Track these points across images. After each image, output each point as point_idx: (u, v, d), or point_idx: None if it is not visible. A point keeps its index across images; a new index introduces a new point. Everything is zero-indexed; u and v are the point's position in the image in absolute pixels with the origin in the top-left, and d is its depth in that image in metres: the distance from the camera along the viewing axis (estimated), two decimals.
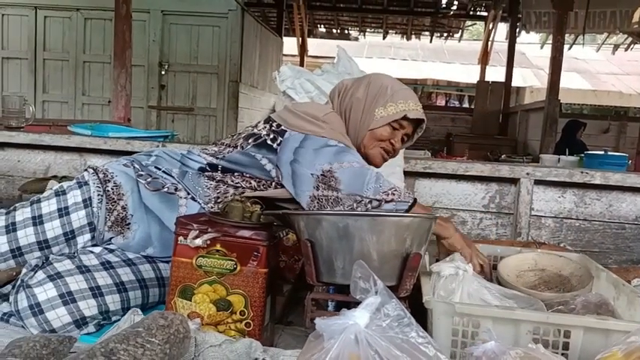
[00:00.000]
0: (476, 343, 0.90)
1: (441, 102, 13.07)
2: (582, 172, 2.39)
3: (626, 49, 12.60)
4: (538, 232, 2.48)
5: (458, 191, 2.50)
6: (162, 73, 6.50)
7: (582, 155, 5.04)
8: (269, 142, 1.48)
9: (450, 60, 13.52)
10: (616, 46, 13.05)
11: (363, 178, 1.35)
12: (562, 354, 1.05)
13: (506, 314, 1.06)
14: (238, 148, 1.51)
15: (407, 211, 1.30)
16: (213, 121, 6.53)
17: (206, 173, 1.52)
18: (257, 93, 7.41)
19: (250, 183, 1.49)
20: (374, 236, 1.12)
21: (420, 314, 1.15)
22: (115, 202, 1.48)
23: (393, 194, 1.32)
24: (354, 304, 0.89)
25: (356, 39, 13.90)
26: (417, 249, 1.15)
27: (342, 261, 1.14)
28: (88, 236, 1.49)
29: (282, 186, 1.47)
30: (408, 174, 2.40)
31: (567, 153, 5.38)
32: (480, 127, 8.89)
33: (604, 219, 2.44)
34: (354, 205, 1.32)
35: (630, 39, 11.34)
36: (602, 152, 5.19)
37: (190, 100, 6.54)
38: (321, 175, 1.37)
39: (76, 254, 1.44)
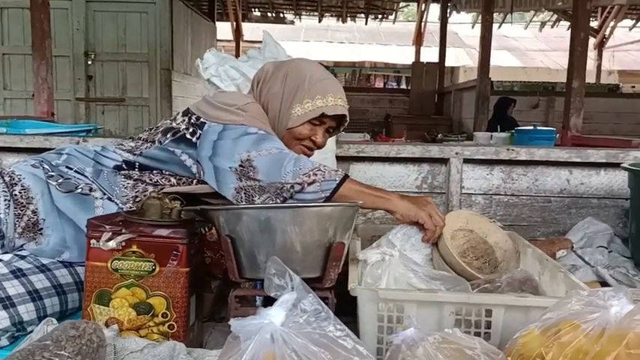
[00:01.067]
0: (396, 330, 0.89)
1: (379, 84, 13.20)
2: (508, 150, 2.45)
3: (553, 26, 13.12)
4: (469, 209, 2.53)
5: (391, 173, 2.51)
6: (89, 63, 6.19)
7: (513, 131, 5.22)
8: (188, 136, 1.42)
9: (386, 42, 13.66)
10: (543, 24, 13.58)
11: (280, 163, 1.29)
12: (485, 333, 1.07)
13: (429, 297, 1.06)
14: (156, 143, 1.44)
15: (336, 189, 1.26)
16: (146, 112, 6.30)
17: (122, 172, 1.44)
18: (191, 80, 7.21)
19: (170, 180, 1.42)
20: (296, 227, 1.10)
21: (351, 303, 1.13)
22: (24, 206, 1.38)
23: (315, 175, 1.27)
24: None
25: (292, 22, 13.77)
26: (340, 238, 1.13)
27: (264, 255, 1.11)
28: None
29: (205, 182, 1.41)
30: (341, 159, 2.39)
31: (499, 130, 5.55)
32: (416, 108, 9.04)
33: (531, 193, 2.52)
34: (277, 192, 1.27)
35: (556, 16, 11.81)
36: (532, 128, 5.39)
37: (121, 91, 6.28)
38: (240, 166, 1.32)
39: None
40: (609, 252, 2.12)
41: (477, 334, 1.05)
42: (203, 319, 1.42)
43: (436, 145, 2.50)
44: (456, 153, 2.44)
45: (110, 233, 1.15)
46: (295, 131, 1.47)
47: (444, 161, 2.48)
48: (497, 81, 8.21)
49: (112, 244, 1.14)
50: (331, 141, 2.19)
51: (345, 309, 1.12)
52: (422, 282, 1.20)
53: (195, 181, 1.44)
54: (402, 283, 1.20)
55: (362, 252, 1.25)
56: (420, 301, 1.07)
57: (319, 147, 1.53)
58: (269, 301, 1.22)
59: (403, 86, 12.60)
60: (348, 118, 1.56)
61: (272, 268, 0.84)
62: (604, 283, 1.79)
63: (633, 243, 2.07)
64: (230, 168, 1.33)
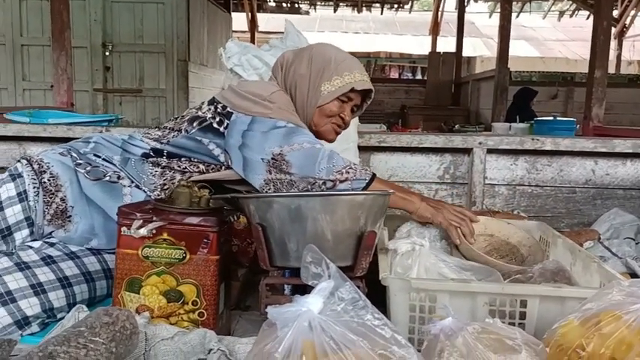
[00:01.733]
0: (432, 319, 0.88)
1: (394, 74, 13.09)
2: (533, 139, 2.41)
3: (571, 16, 12.90)
4: (492, 200, 2.51)
5: (413, 164, 2.49)
6: (107, 54, 6.22)
7: (532, 122, 5.15)
8: (215, 125, 1.42)
9: (401, 32, 13.55)
10: (561, 13, 13.36)
11: (314, 159, 1.31)
12: (519, 324, 1.05)
13: (462, 287, 1.05)
14: (183, 132, 1.44)
15: (365, 187, 1.27)
16: (163, 103, 6.32)
17: (150, 159, 1.44)
18: (207, 71, 7.22)
19: (199, 167, 1.42)
20: (327, 216, 1.09)
21: (380, 293, 1.13)
22: (53, 194, 1.39)
23: (348, 172, 1.29)
24: (310, 286, 0.86)
25: (307, 12, 13.70)
26: (371, 227, 1.12)
27: (295, 243, 1.10)
28: (26, 232, 1.40)
29: (232, 168, 1.41)
30: (362, 149, 2.37)
31: (518, 120, 5.48)
32: (433, 98, 8.96)
33: (555, 184, 2.48)
34: (309, 187, 1.28)
35: (575, 5, 11.61)
36: (552, 118, 5.33)
37: (138, 82, 6.30)
38: (272, 159, 1.33)
39: (13, 251, 1.35)
40: (636, 243, 2.09)
41: (511, 325, 1.04)
42: (230, 307, 1.42)
43: (459, 135, 2.47)
44: (480, 143, 2.41)
45: (141, 221, 1.15)
46: (325, 108, 1.48)
47: (467, 151, 2.46)
48: (516, 71, 8.09)
49: (142, 231, 1.14)
50: (353, 131, 2.18)
51: (374, 299, 1.12)
52: (453, 272, 1.18)
53: (223, 168, 1.44)
54: (433, 273, 1.18)
55: (392, 241, 1.24)
56: (453, 291, 1.06)
57: (347, 124, 1.54)
58: (297, 290, 1.22)
59: (419, 76, 12.50)
60: (373, 94, 1.59)
61: (308, 256, 0.83)
62: (633, 275, 1.76)
63: None
64: (262, 160, 1.33)
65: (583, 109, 6.60)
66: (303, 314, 0.79)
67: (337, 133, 1.55)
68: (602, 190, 2.48)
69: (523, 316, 1.06)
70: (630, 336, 0.83)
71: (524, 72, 8.54)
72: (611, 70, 9.96)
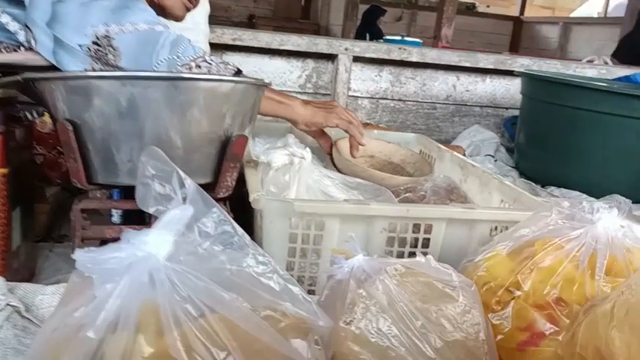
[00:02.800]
0: (335, 259, 0.62)
1: None
2: (400, 49, 2.24)
3: None
4: (355, 113, 2.32)
5: (272, 69, 2.17)
6: None
7: (381, 40, 5.08)
8: None
9: None
10: None
11: (151, 46, 0.91)
12: (422, 253, 0.85)
13: (360, 210, 0.80)
14: None
15: None
16: None
17: None
18: None
19: None
20: (176, 113, 0.75)
21: (242, 219, 0.83)
22: None
23: (199, 67, 0.91)
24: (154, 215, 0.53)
25: None
26: (240, 129, 0.80)
27: (127, 152, 0.75)
28: None
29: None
30: (213, 46, 1.97)
31: (368, 38, 5.39)
32: (282, 10, 8.51)
33: (417, 99, 2.36)
34: None
35: None
36: (399, 37, 5.31)
37: None
38: (94, 44, 0.90)
39: None
40: (495, 160, 2.06)
41: (412, 255, 0.83)
42: (35, 239, 1.03)
43: (324, 38, 2.19)
44: (346, 49, 2.17)
45: None
46: None
47: (331, 58, 2.20)
48: None
49: None
50: (204, 21, 1.78)
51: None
52: (341, 191, 0.93)
53: (23, 49, 0.98)
54: (317, 192, 0.92)
55: (264, 152, 0.94)
56: (346, 215, 0.81)
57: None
58: (132, 218, 0.88)
59: None
60: None
61: (149, 167, 0.50)
62: None
63: (520, 152, 2.02)
64: (80, 47, 0.90)
65: (425, 32, 6.74)
66: (140, 262, 0.47)
67: (188, 10, 1.15)
68: (461, 106, 2.42)
69: (426, 243, 0.86)
70: (575, 273, 0.65)
71: None
72: None
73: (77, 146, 0.75)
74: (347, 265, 0.59)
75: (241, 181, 0.92)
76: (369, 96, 2.32)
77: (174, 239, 0.49)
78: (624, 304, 0.48)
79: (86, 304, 0.49)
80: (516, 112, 2.29)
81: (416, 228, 0.85)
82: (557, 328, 0.62)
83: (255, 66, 2.14)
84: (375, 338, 0.53)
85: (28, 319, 0.78)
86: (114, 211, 0.86)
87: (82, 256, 0.47)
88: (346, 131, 1.13)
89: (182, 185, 0.51)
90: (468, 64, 2.31)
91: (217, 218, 0.52)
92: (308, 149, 0.95)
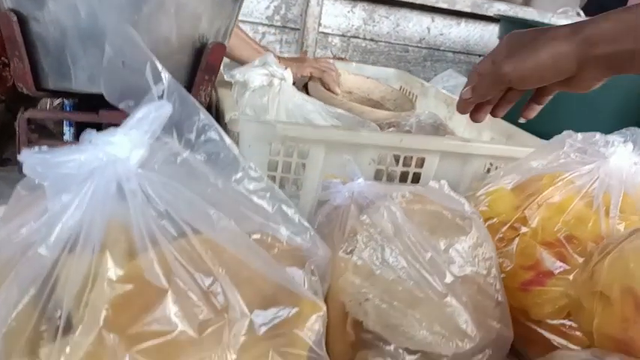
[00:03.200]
0: (327, 183, 0.54)
1: None
2: None
3: None
4: (324, 51, 2.21)
5: None
6: None
7: None
8: None
9: None
10: None
11: None
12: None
13: (350, 137, 0.72)
14: None
15: None
16: None
17: None
18: None
19: None
20: (142, 12, 0.64)
21: None
22: None
23: None
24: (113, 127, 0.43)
25: None
26: (217, 36, 0.70)
27: (83, 56, 0.64)
28: None
29: None
30: None
31: None
32: None
33: (390, 40, 2.27)
34: None
35: None
36: None
37: None
38: None
39: None
40: None
41: None
42: None
43: None
44: None
45: None
46: None
47: None
48: None
49: None
50: None
51: None
52: (324, 120, 0.85)
53: None
54: (298, 118, 0.83)
55: (239, 70, 0.84)
56: (333, 142, 0.72)
57: None
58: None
59: None
60: None
61: (119, 51, 0.40)
62: None
63: None
64: None
65: None
66: (105, 168, 0.38)
67: None
68: (434, 51, 2.35)
69: (417, 178, 0.79)
70: (588, 210, 0.60)
71: None
72: None
73: (23, 43, 0.62)
74: (346, 190, 0.52)
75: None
76: (341, 34, 2.20)
77: (149, 142, 0.39)
78: None
79: (36, 218, 0.39)
80: None
81: (407, 162, 0.78)
82: (567, 267, 0.57)
83: None
84: (379, 270, 0.47)
85: None
86: (66, 128, 0.74)
87: (30, 157, 0.37)
88: (320, 80, 1.10)
89: (158, 78, 0.42)
90: (445, 6, 2.21)
91: (201, 123, 0.43)
92: (289, 69, 0.85)
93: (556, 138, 0.66)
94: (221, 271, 0.39)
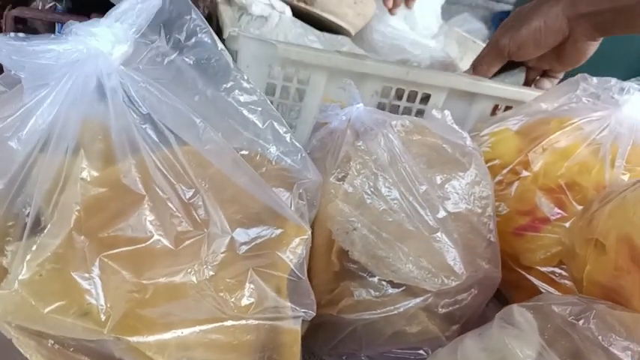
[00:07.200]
0: (325, 107, 0.51)
1: None
2: None
3: None
4: None
5: None
6: None
7: None
8: None
9: None
10: None
11: None
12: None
13: (354, 65, 0.68)
14: None
15: None
16: None
17: None
18: None
19: None
20: None
21: None
22: None
23: None
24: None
25: None
26: None
27: None
28: None
29: None
30: None
31: None
32: None
33: None
34: None
35: None
36: None
37: None
38: None
39: None
40: None
41: None
42: None
43: None
44: None
45: None
46: None
47: None
48: None
49: None
50: None
51: None
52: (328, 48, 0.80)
53: None
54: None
55: None
56: (336, 68, 0.69)
57: None
58: None
59: None
60: None
61: None
62: None
63: None
64: None
65: None
66: (85, 61, 0.35)
67: None
68: None
69: (420, 114, 0.76)
70: (594, 157, 0.57)
71: None
72: None
73: None
74: (344, 114, 0.49)
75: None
76: None
77: (134, 37, 0.36)
78: None
79: (11, 113, 0.37)
80: (507, 7, 2.15)
81: (411, 98, 0.75)
82: (565, 214, 0.55)
83: None
84: (370, 199, 0.45)
85: None
86: (58, 27, 0.71)
87: (5, 43, 0.34)
88: None
89: None
90: None
91: (192, 23, 0.40)
92: (289, 7, 0.80)
93: (569, 80, 0.63)
94: (204, 185, 0.37)
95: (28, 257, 0.31)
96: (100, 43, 0.35)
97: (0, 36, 0.35)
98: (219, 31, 0.74)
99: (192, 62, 0.39)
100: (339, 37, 0.88)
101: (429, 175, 0.47)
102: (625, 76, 0.63)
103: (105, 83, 0.35)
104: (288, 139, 0.43)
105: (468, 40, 1.01)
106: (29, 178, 0.34)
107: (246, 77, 0.42)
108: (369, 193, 0.45)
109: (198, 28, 0.40)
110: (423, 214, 0.45)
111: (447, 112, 0.51)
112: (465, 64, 1.01)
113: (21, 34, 0.35)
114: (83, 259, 0.31)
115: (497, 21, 2.22)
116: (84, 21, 0.36)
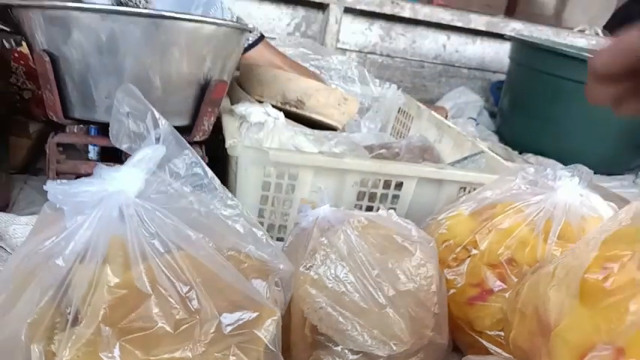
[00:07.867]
0: (301, 208, 0.64)
1: None
2: (393, 2, 2.20)
3: None
4: (341, 66, 2.31)
5: (261, 15, 2.14)
6: None
7: None
8: None
9: None
10: None
11: (187, 7, 0.96)
12: (389, 209, 0.88)
13: (332, 163, 0.82)
14: None
15: (248, 49, 0.98)
16: None
17: None
18: None
19: None
20: (156, 53, 0.75)
21: (216, 166, 0.85)
22: None
23: None
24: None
25: None
26: (221, 74, 0.81)
27: (105, 89, 0.76)
28: None
29: None
30: None
31: None
32: None
33: (406, 56, 2.35)
34: None
35: None
36: None
37: None
38: None
39: None
40: (477, 124, 2.08)
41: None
42: (12, 171, 1.04)
43: None
44: None
45: None
46: None
47: (322, 8, 2.17)
48: None
49: None
50: None
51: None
52: (315, 145, 0.95)
53: None
54: (290, 147, 0.94)
55: (242, 105, 0.95)
56: (319, 167, 0.83)
57: None
58: (109, 155, 0.89)
59: None
60: None
61: (125, 104, 0.51)
62: None
63: (502, 117, 2.04)
64: None
65: None
66: (111, 197, 0.49)
67: None
68: (449, 67, 2.42)
69: (395, 200, 0.88)
70: (530, 236, 0.68)
71: None
72: None
73: (54, 78, 0.75)
74: (312, 215, 0.62)
75: (217, 129, 0.93)
76: (358, 49, 2.30)
77: (145, 177, 0.50)
78: (565, 267, 0.51)
79: (57, 234, 0.50)
80: (503, 77, 2.30)
81: (387, 184, 0.88)
82: (505, 286, 0.66)
83: (244, 10, 2.11)
84: (331, 283, 0.56)
85: (1, 247, 0.80)
86: (91, 148, 0.86)
87: (54, 187, 0.49)
88: None
89: (156, 125, 0.53)
90: (460, 24, 2.29)
91: (189, 160, 0.54)
92: (282, 113, 0.96)
93: (510, 171, 0.75)
94: (197, 281, 0.50)
95: (69, 344, 0.44)
96: (121, 184, 0.49)
97: (50, 182, 0.49)
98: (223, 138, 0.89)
99: (189, 189, 0.53)
100: (327, 132, 1.02)
101: (382, 261, 0.59)
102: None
103: (124, 212, 0.49)
104: (264, 240, 0.55)
105: (445, 125, 1.14)
106: (70, 285, 0.47)
107: (230, 195, 0.55)
108: (330, 278, 0.57)
109: (193, 163, 0.54)
110: (374, 293, 0.56)
111: (391, 211, 0.63)
112: (442, 146, 1.14)
113: (64, 180, 0.49)
114: (108, 343, 0.44)
115: (494, 90, 2.37)
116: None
